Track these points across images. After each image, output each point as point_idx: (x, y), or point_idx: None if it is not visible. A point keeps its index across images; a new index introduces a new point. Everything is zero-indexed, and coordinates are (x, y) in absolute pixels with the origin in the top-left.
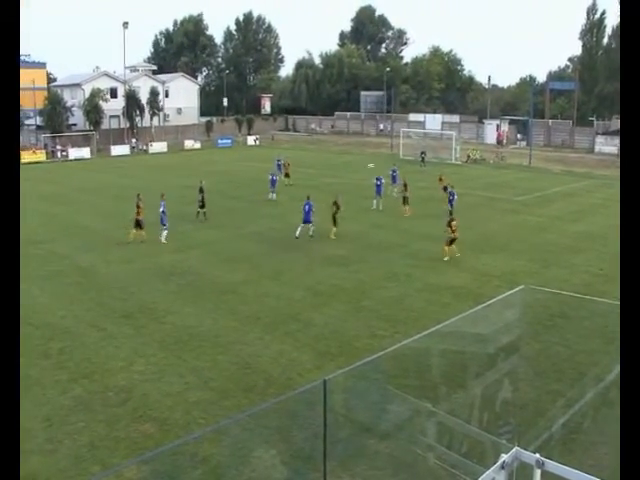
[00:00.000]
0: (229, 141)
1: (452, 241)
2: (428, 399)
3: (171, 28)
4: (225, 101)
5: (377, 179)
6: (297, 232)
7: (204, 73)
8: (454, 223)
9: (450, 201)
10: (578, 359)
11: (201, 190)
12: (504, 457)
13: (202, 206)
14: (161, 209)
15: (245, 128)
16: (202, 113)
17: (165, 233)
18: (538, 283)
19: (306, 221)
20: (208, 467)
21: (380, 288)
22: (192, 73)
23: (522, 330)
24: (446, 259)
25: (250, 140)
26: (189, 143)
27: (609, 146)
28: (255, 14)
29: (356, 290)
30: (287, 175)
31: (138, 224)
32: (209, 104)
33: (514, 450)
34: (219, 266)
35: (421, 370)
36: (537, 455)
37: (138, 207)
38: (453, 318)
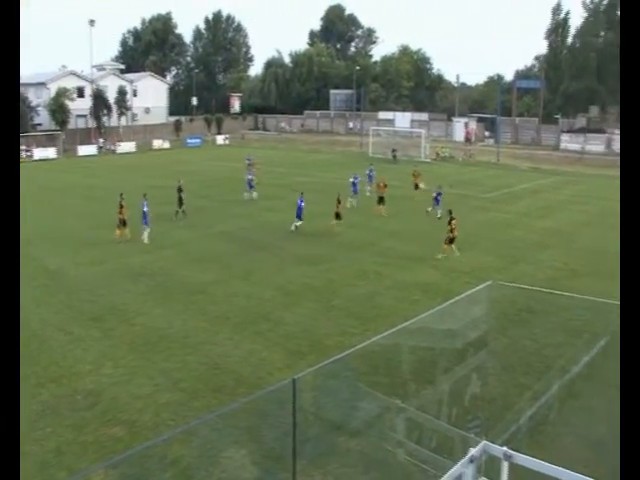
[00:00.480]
0: (198, 140)
1: (452, 240)
2: (398, 396)
3: (139, 27)
4: (194, 100)
5: (354, 177)
6: (292, 227)
7: (173, 72)
8: (454, 222)
9: (437, 200)
10: (545, 352)
11: (179, 189)
12: (472, 451)
13: (180, 205)
14: (144, 208)
15: (214, 127)
16: (171, 112)
17: (146, 233)
18: (506, 279)
19: (298, 216)
20: (178, 469)
21: (350, 286)
22: (161, 72)
23: (490, 325)
24: (440, 257)
25: (219, 139)
26: (158, 143)
27: (574, 143)
28: (224, 13)
29: (326, 289)
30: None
31: (122, 223)
32: (178, 103)
33: (482, 444)
34: (189, 266)
35: (391, 367)
36: (505, 448)
37: (121, 206)
38: (422, 314)
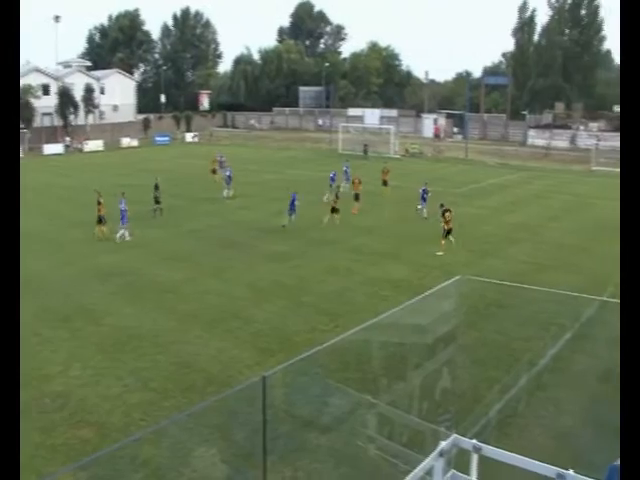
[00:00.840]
0: (167, 138)
1: (448, 232)
2: (368, 391)
3: (106, 23)
4: (163, 98)
5: (332, 173)
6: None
7: (141, 69)
8: (448, 214)
9: (424, 198)
10: (513, 346)
11: (156, 187)
12: (442, 444)
13: (157, 202)
14: (122, 207)
15: (183, 125)
16: (139, 110)
17: (122, 232)
18: (476, 273)
19: (290, 211)
20: (149, 469)
21: (321, 283)
22: (128, 69)
23: (460, 319)
24: (440, 254)
25: (188, 137)
26: (126, 141)
27: (540, 139)
28: (193, 10)
29: (297, 286)
30: (214, 172)
31: (100, 220)
32: (146, 101)
33: (452, 437)
34: (159, 265)
35: (361, 363)
36: (474, 441)
37: (99, 203)
38: (392, 310)
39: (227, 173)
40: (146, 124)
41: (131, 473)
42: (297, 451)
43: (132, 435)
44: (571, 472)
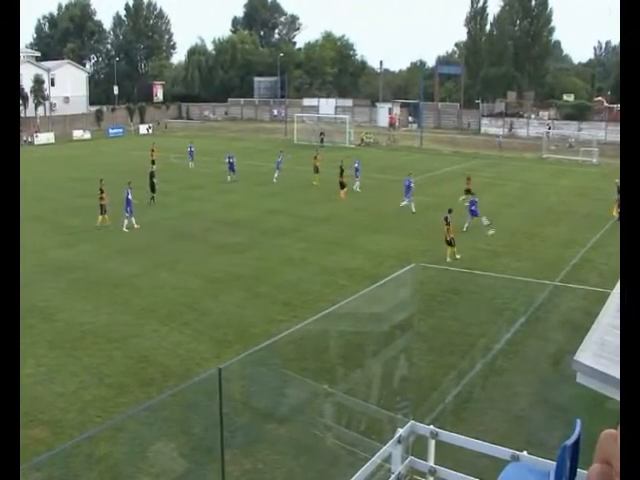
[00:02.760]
0: (120, 130)
1: (449, 243)
2: (326, 381)
3: (55, 12)
4: (116, 89)
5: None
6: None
7: (93, 60)
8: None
9: (409, 189)
10: (469, 331)
11: (152, 175)
12: (400, 431)
13: (153, 190)
14: (128, 197)
15: (137, 117)
16: (91, 102)
17: (127, 222)
18: (431, 261)
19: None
20: (105, 466)
21: (276, 273)
22: (80, 60)
23: (416, 307)
24: (458, 257)
25: (142, 129)
26: (78, 133)
27: (493, 127)
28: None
29: (253, 276)
30: (153, 162)
31: (103, 209)
32: (99, 92)
33: (409, 424)
34: (112, 259)
35: (319, 352)
36: (431, 427)
37: (101, 191)
38: (348, 299)
39: (231, 160)
40: (99, 116)
41: (86, 471)
42: (256, 442)
43: (87, 432)
44: (525, 453)
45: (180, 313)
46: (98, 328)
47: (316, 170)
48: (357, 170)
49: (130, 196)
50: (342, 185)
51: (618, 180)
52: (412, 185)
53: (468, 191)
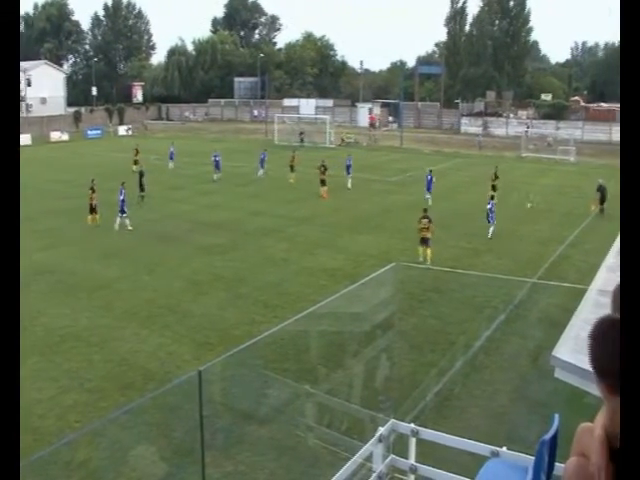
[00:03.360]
0: (99, 132)
1: (423, 240)
2: (307, 381)
3: (31, 12)
4: (94, 90)
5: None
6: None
7: (70, 61)
8: (424, 221)
9: (430, 184)
10: (450, 330)
11: (141, 174)
12: (381, 430)
13: (142, 189)
14: (121, 197)
15: (116, 118)
16: (69, 103)
17: (119, 220)
18: (412, 260)
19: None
20: (85, 472)
21: (257, 274)
22: (57, 61)
23: (397, 306)
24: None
25: (122, 130)
26: (56, 135)
27: (473, 127)
28: None
29: (234, 278)
30: (136, 162)
31: (93, 208)
32: (77, 93)
33: (390, 422)
34: (92, 262)
35: (300, 353)
36: (412, 425)
37: (92, 191)
38: (329, 298)
39: (216, 158)
40: (77, 117)
41: (65, 479)
42: (237, 444)
43: (66, 438)
44: (504, 449)
45: (161, 315)
46: (78, 332)
47: (292, 169)
48: (349, 167)
49: (123, 196)
50: (323, 183)
51: (601, 179)
52: (433, 179)
53: (494, 187)
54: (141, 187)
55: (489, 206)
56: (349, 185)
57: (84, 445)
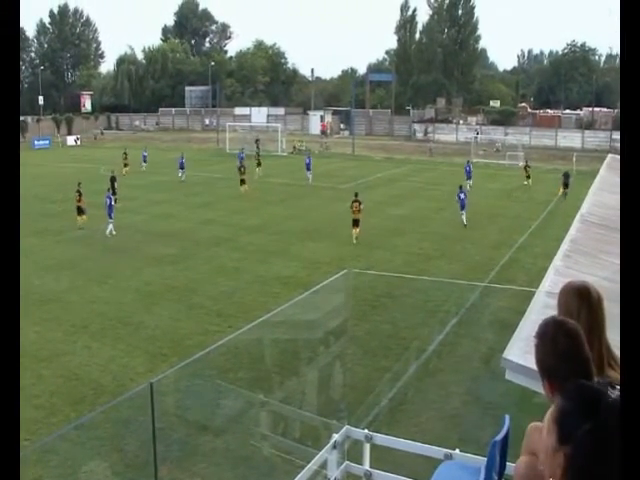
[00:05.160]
0: (47, 142)
1: (355, 222)
2: (262, 390)
3: None
4: (41, 99)
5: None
6: None
7: None
8: (356, 205)
9: (462, 197)
10: (403, 334)
11: (113, 179)
12: (335, 437)
13: (114, 193)
14: (108, 202)
15: (64, 128)
16: None
17: (111, 226)
18: (365, 266)
19: None
20: None
21: (210, 284)
22: None
23: (350, 312)
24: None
25: (70, 140)
26: None
27: (424, 133)
28: (71, 6)
29: (186, 288)
30: (125, 165)
31: (80, 210)
32: (23, 103)
33: (344, 429)
34: (40, 275)
35: (254, 361)
36: (366, 431)
37: (79, 194)
38: (282, 306)
39: (182, 160)
40: (23, 127)
41: None
42: (192, 456)
43: None
44: (457, 451)
45: (113, 328)
46: (25, 347)
47: (242, 182)
48: (308, 165)
49: (111, 202)
50: (242, 182)
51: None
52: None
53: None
54: (113, 191)
55: (462, 196)
56: (310, 181)
57: (33, 463)
